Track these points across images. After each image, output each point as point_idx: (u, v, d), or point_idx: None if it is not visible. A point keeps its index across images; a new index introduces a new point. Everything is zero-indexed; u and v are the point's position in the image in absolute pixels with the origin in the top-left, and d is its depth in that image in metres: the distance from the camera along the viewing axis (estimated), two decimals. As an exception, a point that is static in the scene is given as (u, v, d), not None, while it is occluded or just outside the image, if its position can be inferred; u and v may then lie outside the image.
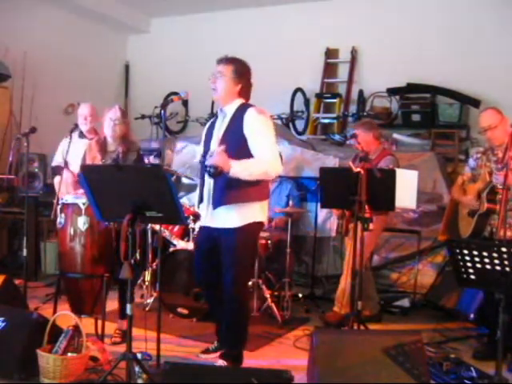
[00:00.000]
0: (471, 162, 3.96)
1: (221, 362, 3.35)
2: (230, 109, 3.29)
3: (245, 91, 3.31)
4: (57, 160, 4.60)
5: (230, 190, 3.16)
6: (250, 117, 3.18)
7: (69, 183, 4.16)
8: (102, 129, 3.96)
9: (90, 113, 4.43)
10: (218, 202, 3.20)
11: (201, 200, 3.35)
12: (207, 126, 3.52)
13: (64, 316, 3.25)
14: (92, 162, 3.78)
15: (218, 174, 2.98)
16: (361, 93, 6.77)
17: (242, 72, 3.27)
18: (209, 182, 3.27)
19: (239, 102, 3.29)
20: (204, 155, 3.22)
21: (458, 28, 6.32)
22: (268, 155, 3.14)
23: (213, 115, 6.99)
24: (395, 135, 6.34)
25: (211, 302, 3.60)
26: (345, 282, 4.37)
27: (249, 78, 3.33)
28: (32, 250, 5.39)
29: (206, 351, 3.59)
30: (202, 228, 3.45)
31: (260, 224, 3.34)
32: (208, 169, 3.00)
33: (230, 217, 3.21)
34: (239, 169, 3.04)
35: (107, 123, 3.84)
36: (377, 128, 4.64)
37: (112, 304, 3.98)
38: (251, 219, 3.24)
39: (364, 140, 4.34)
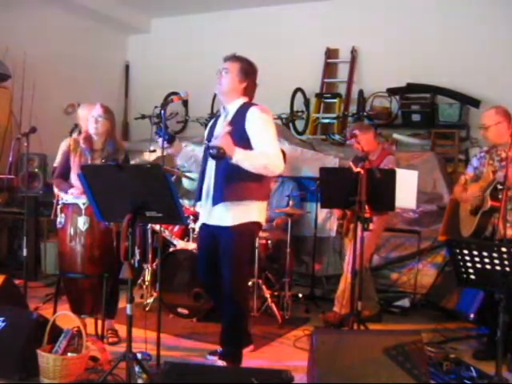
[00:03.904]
0: (474, 161, 3.96)
1: (220, 363, 3.36)
2: (233, 107, 3.30)
3: (249, 91, 3.32)
4: (58, 161, 4.60)
5: (229, 188, 3.16)
6: (252, 115, 3.18)
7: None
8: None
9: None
10: (218, 199, 3.20)
11: (199, 198, 3.35)
12: (210, 124, 3.53)
13: (64, 316, 3.25)
14: (79, 159, 3.75)
15: (220, 155, 2.93)
16: (361, 93, 6.77)
17: (248, 71, 3.29)
18: (209, 179, 3.28)
19: (242, 100, 3.30)
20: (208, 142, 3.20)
21: (458, 28, 6.33)
22: (270, 151, 3.14)
23: (213, 115, 7.01)
24: (395, 135, 6.35)
25: (216, 301, 3.61)
26: (345, 283, 4.37)
27: (254, 78, 3.34)
28: (32, 250, 5.39)
29: (215, 353, 3.54)
30: (202, 226, 3.45)
31: (256, 224, 3.32)
32: (211, 150, 2.95)
33: (227, 215, 3.21)
34: (242, 156, 3.02)
35: (90, 120, 3.81)
36: (374, 129, 4.67)
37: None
38: (247, 219, 3.23)
39: (366, 140, 4.37)
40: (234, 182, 3.14)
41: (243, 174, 3.10)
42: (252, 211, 3.25)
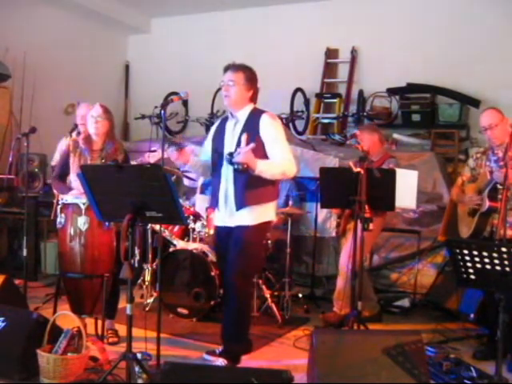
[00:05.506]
0: (471, 161, 3.96)
1: (220, 361, 3.37)
2: (243, 114, 3.40)
3: (255, 96, 3.45)
4: (55, 159, 4.60)
5: (250, 193, 3.32)
6: (265, 123, 3.33)
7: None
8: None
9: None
10: (241, 204, 3.33)
11: (216, 203, 3.45)
12: (215, 128, 3.58)
13: (64, 316, 3.25)
14: (78, 160, 3.75)
15: (244, 170, 3.17)
16: (361, 93, 6.77)
17: (252, 78, 3.40)
18: (225, 185, 3.38)
19: (250, 107, 3.43)
20: (225, 154, 3.32)
21: (458, 28, 6.33)
22: (286, 157, 3.33)
23: (213, 115, 7.01)
24: (395, 135, 6.35)
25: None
26: (341, 283, 4.36)
27: (257, 83, 3.45)
28: (32, 250, 5.39)
29: (212, 353, 3.54)
30: (219, 229, 3.54)
31: (270, 222, 3.52)
32: (236, 166, 3.16)
33: (249, 215, 3.35)
34: (264, 168, 3.22)
35: (89, 121, 3.80)
36: (380, 131, 4.65)
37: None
38: (265, 218, 3.40)
39: (370, 141, 4.36)
40: (254, 188, 3.32)
41: (260, 179, 3.27)
42: (269, 211, 3.44)
